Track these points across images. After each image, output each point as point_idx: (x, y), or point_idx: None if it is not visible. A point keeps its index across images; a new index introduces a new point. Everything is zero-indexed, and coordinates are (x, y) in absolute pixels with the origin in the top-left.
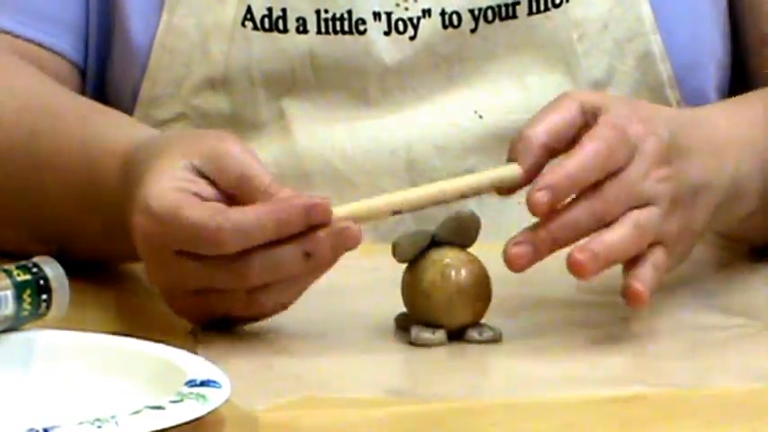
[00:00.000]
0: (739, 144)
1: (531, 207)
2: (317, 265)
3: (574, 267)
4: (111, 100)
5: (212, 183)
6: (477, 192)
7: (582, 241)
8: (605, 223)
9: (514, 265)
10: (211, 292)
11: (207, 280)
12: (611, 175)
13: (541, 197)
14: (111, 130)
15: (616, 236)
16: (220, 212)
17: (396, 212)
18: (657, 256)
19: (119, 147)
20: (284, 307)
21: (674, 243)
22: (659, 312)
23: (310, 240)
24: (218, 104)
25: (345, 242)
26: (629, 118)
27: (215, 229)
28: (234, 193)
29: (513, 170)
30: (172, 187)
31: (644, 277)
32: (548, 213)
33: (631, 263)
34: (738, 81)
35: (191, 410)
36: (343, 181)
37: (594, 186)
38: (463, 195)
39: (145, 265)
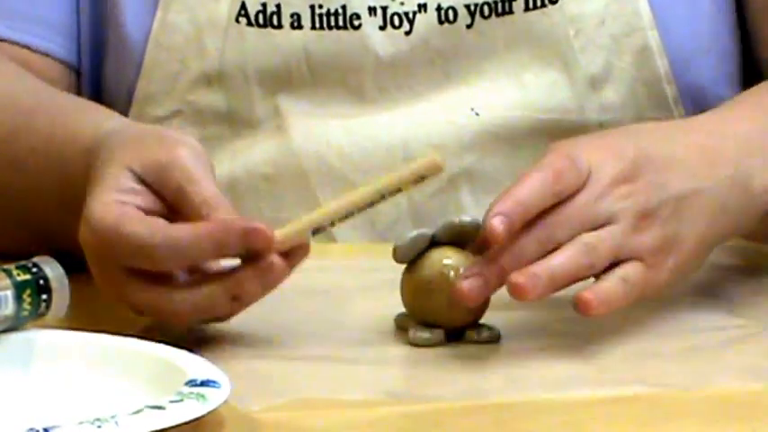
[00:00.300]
0: (739, 140)
1: (490, 235)
2: (245, 305)
3: (513, 290)
4: (107, 98)
5: (155, 192)
6: (398, 191)
7: None
8: (551, 249)
9: (467, 299)
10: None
11: (139, 303)
12: (560, 202)
13: (498, 224)
14: (79, 124)
15: (561, 257)
16: (159, 229)
17: (319, 230)
18: (628, 270)
19: (85, 142)
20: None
21: (653, 257)
22: (659, 312)
23: (237, 284)
24: (213, 101)
25: (273, 280)
26: (581, 146)
27: (152, 246)
28: (174, 207)
29: (431, 162)
30: (114, 200)
31: (599, 288)
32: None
33: (596, 278)
34: (752, 71)
35: (191, 410)
36: (340, 179)
37: (542, 214)
38: (383, 197)
39: (94, 278)
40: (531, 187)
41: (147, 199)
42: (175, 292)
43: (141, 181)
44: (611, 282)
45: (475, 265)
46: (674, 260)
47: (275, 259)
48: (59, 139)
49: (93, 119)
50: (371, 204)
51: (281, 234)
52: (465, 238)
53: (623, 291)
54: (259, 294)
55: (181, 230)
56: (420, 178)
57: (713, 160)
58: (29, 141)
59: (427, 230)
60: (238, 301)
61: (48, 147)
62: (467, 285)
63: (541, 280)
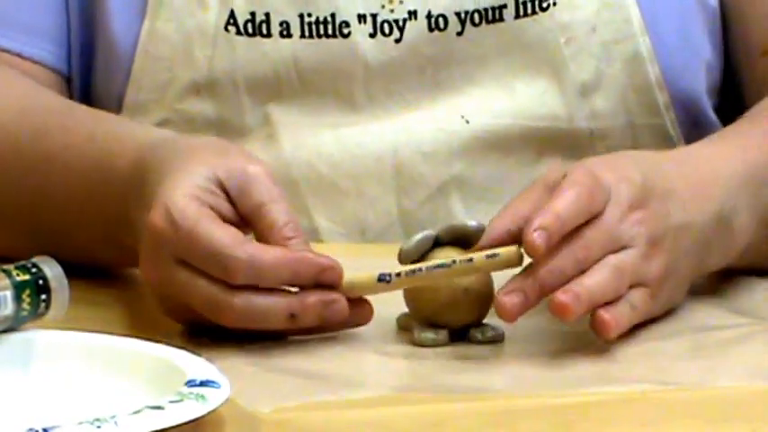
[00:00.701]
0: (725, 178)
1: (530, 249)
2: (297, 326)
3: (558, 309)
4: (97, 106)
5: (230, 201)
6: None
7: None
8: (585, 269)
9: (507, 315)
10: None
11: (194, 297)
12: (590, 220)
13: (538, 238)
14: (124, 127)
15: (595, 279)
16: (242, 243)
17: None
18: (636, 296)
19: (135, 139)
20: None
21: (657, 285)
22: (664, 314)
23: (300, 303)
24: (203, 110)
25: (332, 314)
26: (599, 165)
27: (231, 256)
28: (248, 220)
29: (510, 255)
30: (195, 195)
31: (615, 311)
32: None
33: (608, 303)
34: (731, 86)
35: (190, 410)
36: (330, 187)
37: (575, 232)
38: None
39: (141, 263)
40: (569, 203)
41: (222, 205)
42: (237, 295)
43: (221, 186)
44: (624, 307)
45: (515, 281)
46: (669, 291)
47: (341, 298)
48: (101, 135)
49: (137, 125)
50: (438, 271)
51: (347, 277)
52: (468, 239)
53: (629, 317)
54: (315, 322)
55: (265, 253)
56: (496, 268)
57: (703, 195)
58: (65, 138)
59: (431, 232)
60: (293, 321)
61: (83, 142)
62: (508, 301)
63: (582, 300)
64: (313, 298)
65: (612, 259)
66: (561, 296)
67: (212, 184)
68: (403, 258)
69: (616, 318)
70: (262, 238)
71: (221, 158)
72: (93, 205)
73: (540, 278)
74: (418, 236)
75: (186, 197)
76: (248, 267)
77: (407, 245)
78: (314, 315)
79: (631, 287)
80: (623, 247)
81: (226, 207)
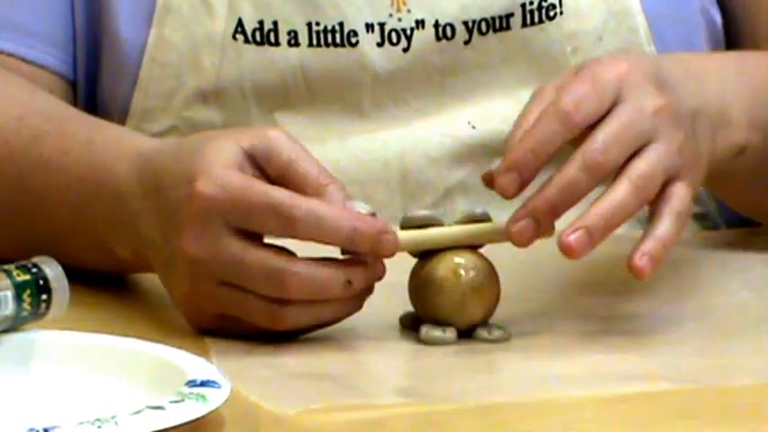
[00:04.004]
0: (721, 72)
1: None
2: (351, 293)
3: (566, 249)
4: (102, 112)
5: (259, 169)
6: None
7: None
8: (606, 174)
9: (518, 240)
10: (238, 290)
11: (251, 268)
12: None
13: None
14: (123, 134)
15: (618, 196)
16: (302, 200)
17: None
18: (676, 196)
19: (135, 145)
20: (305, 329)
21: (689, 172)
22: (670, 311)
23: (353, 268)
24: (210, 117)
25: (375, 276)
26: (602, 61)
27: (290, 206)
28: (280, 181)
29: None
30: (232, 164)
31: (650, 249)
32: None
33: (652, 214)
34: None
35: (191, 410)
36: None
37: (584, 136)
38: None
39: (184, 241)
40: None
41: (255, 174)
42: (296, 261)
43: (248, 157)
44: (664, 225)
45: (573, 224)
46: (696, 176)
47: (380, 261)
48: (98, 140)
49: (136, 133)
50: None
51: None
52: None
53: (680, 225)
54: (367, 283)
55: (326, 209)
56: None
57: (704, 85)
58: (62, 143)
59: (437, 214)
60: (350, 287)
61: (80, 148)
62: (572, 240)
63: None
64: (360, 262)
65: (637, 169)
66: (568, 237)
67: (240, 155)
68: (402, 225)
69: (655, 257)
70: (298, 192)
71: (239, 133)
72: (89, 211)
73: (548, 199)
74: (424, 212)
75: (227, 167)
76: (309, 221)
77: (410, 216)
78: (365, 278)
79: (668, 184)
80: (648, 142)
81: (258, 176)
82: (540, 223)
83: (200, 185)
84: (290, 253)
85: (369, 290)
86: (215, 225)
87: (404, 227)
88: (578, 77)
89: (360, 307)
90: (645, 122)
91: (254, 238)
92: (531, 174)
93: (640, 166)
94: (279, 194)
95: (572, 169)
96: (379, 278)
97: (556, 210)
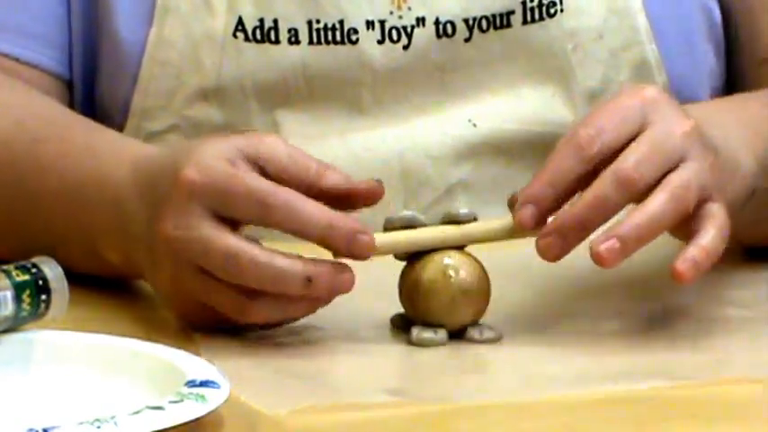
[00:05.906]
0: (721, 119)
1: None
2: (310, 293)
3: (597, 258)
4: (101, 112)
5: (259, 169)
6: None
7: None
8: (638, 191)
9: (545, 256)
10: (213, 279)
11: (216, 251)
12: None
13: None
14: (122, 139)
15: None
16: (283, 190)
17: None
18: (719, 215)
19: (134, 151)
20: (274, 323)
21: (720, 193)
22: (662, 308)
23: (314, 267)
24: (210, 116)
25: (342, 284)
26: (624, 90)
27: (268, 193)
28: (280, 178)
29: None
30: (222, 157)
31: (694, 255)
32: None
33: (694, 230)
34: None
35: (190, 411)
36: None
37: (615, 155)
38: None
39: (163, 226)
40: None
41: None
42: (256, 248)
43: (245, 156)
44: (707, 236)
45: (606, 232)
46: (726, 199)
47: (350, 269)
48: (97, 144)
49: (135, 140)
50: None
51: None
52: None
53: (720, 240)
54: (327, 288)
55: (304, 201)
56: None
57: (712, 130)
58: (61, 146)
59: (421, 217)
60: (310, 285)
61: (79, 151)
62: (603, 249)
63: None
64: (325, 263)
65: (674, 181)
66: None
67: (234, 152)
68: (386, 226)
69: (699, 264)
70: (301, 187)
71: (236, 137)
72: (85, 216)
73: (579, 215)
74: (407, 213)
75: (217, 158)
76: (285, 212)
77: (394, 218)
78: (327, 281)
79: (702, 204)
80: (680, 161)
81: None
82: (568, 240)
83: (186, 171)
84: (256, 242)
85: (327, 299)
86: (194, 207)
87: (387, 228)
88: (598, 109)
89: (313, 310)
90: (675, 142)
91: (231, 225)
92: (549, 206)
93: (676, 179)
94: (260, 183)
95: (602, 185)
96: (345, 290)
97: (585, 227)
